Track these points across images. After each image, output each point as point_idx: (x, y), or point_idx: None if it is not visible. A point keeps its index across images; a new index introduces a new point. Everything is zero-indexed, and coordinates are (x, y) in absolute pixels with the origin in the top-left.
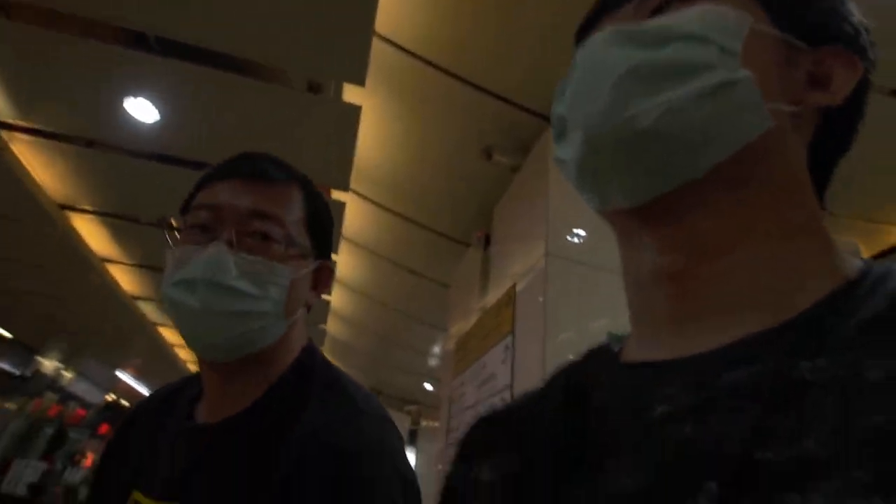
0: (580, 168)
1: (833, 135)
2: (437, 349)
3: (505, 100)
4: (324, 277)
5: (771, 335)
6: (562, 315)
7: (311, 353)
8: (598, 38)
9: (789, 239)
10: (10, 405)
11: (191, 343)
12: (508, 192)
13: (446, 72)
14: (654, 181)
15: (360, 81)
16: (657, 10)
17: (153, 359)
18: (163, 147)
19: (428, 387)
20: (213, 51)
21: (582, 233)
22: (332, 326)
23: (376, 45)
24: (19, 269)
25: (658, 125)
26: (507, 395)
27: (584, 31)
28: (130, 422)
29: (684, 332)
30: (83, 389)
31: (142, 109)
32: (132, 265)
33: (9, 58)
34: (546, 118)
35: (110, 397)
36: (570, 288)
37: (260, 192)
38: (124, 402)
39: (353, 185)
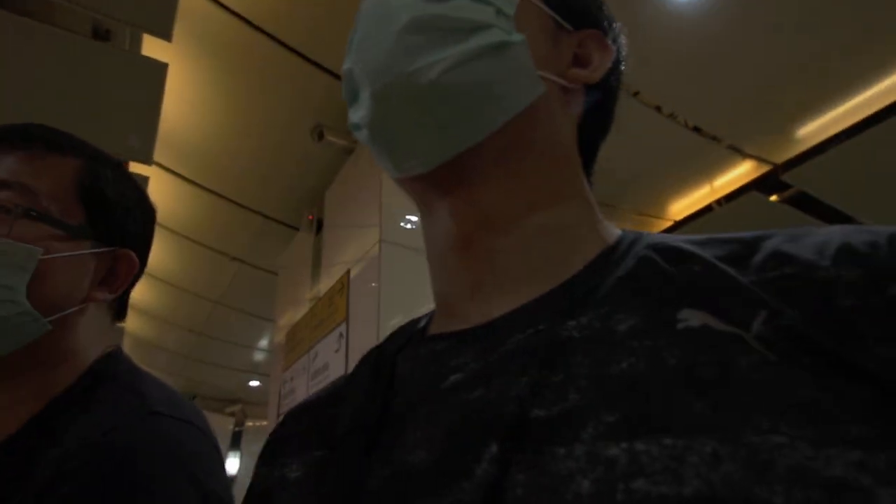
0: (372, 129)
1: (595, 114)
2: (263, 342)
3: (336, 76)
4: (120, 270)
5: (546, 299)
6: (395, 301)
7: (113, 359)
8: None
9: (562, 208)
10: None
11: None
12: (341, 174)
13: (275, 39)
14: (445, 141)
15: (164, 35)
16: None
17: None
18: None
19: (254, 383)
20: None
21: (415, 219)
22: (131, 323)
23: None
24: None
25: (442, 79)
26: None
27: None
28: None
29: (478, 302)
30: None
31: None
32: None
33: None
34: None
35: None
36: (403, 274)
37: (10, 162)
38: None
39: (157, 157)
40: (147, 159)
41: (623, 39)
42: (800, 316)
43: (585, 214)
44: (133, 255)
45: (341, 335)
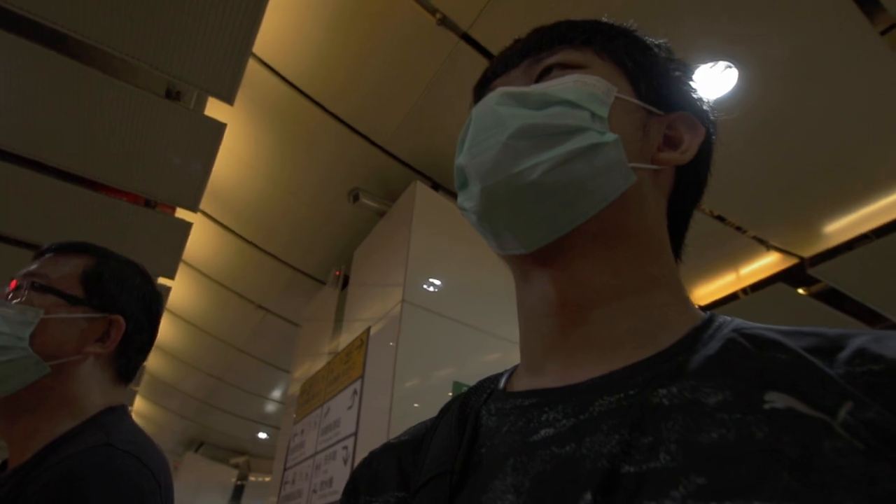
0: (480, 217)
1: (686, 188)
2: (276, 393)
3: (377, 146)
4: (112, 332)
5: (636, 368)
6: (411, 362)
7: (112, 412)
8: (491, 97)
9: (652, 287)
10: None
11: None
12: (371, 235)
13: (322, 107)
14: (543, 230)
15: (228, 99)
16: (541, 76)
17: None
18: None
19: (262, 435)
20: (60, 32)
21: (440, 283)
22: (153, 362)
23: (252, 66)
24: None
25: (543, 179)
26: (350, 444)
27: (479, 90)
28: None
29: (566, 365)
30: None
31: None
32: None
33: None
34: (414, 169)
35: None
36: (421, 335)
37: (42, 261)
38: None
39: (203, 206)
40: (194, 206)
41: (715, 115)
42: (886, 412)
43: (674, 294)
44: (121, 319)
45: (355, 392)
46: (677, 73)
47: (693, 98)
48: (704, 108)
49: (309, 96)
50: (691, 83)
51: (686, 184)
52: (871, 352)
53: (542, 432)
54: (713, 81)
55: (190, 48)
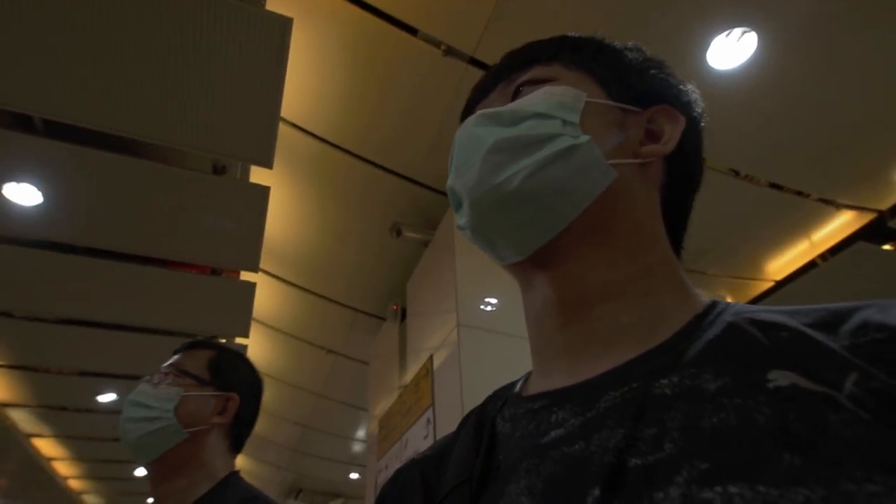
0: (473, 231)
1: (678, 178)
2: (361, 433)
3: (409, 179)
4: (229, 406)
5: (639, 361)
6: (477, 383)
7: (236, 477)
8: (469, 121)
9: (649, 279)
10: None
11: (127, 447)
12: (419, 266)
13: (352, 154)
14: (532, 234)
15: (267, 164)
16: (514, 95)
17: (24, 476)
18: (46, 233)
19: (354, 476)
20: (115, 135)
21: (493, 301)
22: None
23: (284, 129)
24: None
25: (522, 186)
26: None
27: (464, 115)
28: None
29: (572, 364)
30: None
31: (23, 193)
32: (1, 366)
33: None
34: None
35: None
36: (483, 356)
37: (180, 355)
38: None
39: (263, 265)
40: (254, 267)
41: (698, 100)
42: (891, 379)
43: (672, 284)
44: (236, 396)
45: (429, 420)
46: (652, 71)
47: (673, 90)
48: (686, 99)
49: (338, 146)
50: (668, 77)
51: (677, 173)
52: (874, 321)
53: (553, 433)
54: (733, 49)
55: (225, 126)
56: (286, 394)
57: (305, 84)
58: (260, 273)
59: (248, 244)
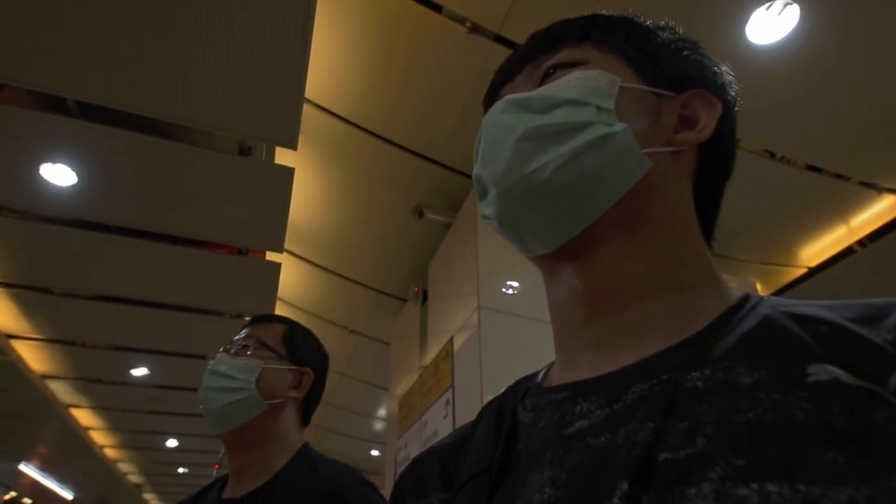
0: (500, 222)
1: (711, 165)
2: (382, 411)
3: (433, 160)
4: (303, 381)
5: (669, 353)
6: (497, 366)
7: (311, 448)
8: (497, 106)
9: (682, 269)
10: None
11: (205, 416)
12: (441, 248)
13: (375, 135)
14: (562, 226)
15: (291, 145)
16: (544, 78)
17: (64, 445)
18: (81, 212)
19: (375, 452)
20: (145, 117)
21: (514, 284)
22: None
23: (308, 111)
24: None
25: (554, 176)
26: None
27: (488, 100)
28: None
29: (599, 355)
30: None
31: (58, 173)
32: (42, 340)
33: None
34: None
35: (9, 496)
36: (504, 339)
37: (254, 327)
38: (26, 501)
39: (287, 245)
40: (279, 248)
41: (732, 82)
42: None
43: (705, 275)
44: (310, 371)
45: (448, 402)
46: (686, 52)
47: (708, 73)
48: (721, 81)
49: (361, 127)
50: (703, 59)
51: (711, 161)
52: None
53: (577, 424)
54: (773, 22)
55: (249, 106)
56: None
57: (329, 65)
58: (285, 254)
59: (273, 225)
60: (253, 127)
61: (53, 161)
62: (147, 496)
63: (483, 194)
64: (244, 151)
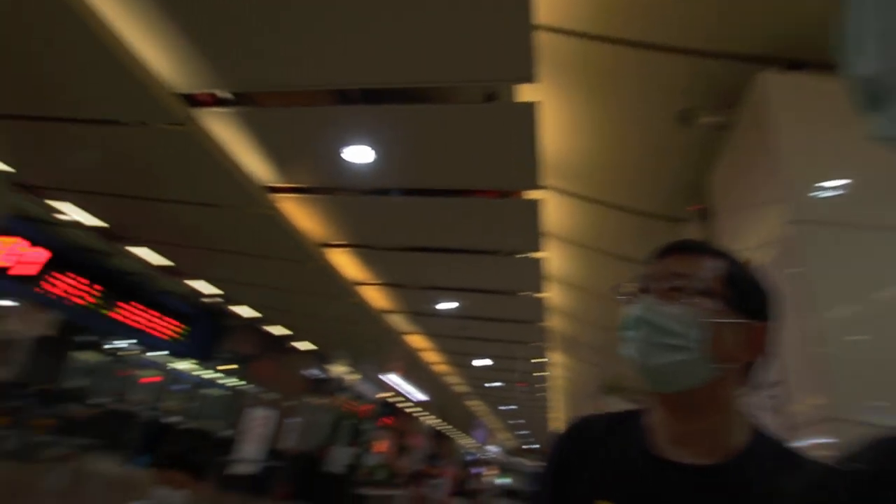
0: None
1: (760, 359)
2: None
3: (693, 52)
4: (757, 338)
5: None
6: (822, 289)
7: (767, 431)
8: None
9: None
10: (319, 401)
11: (638, 371)
12: (723, 156)
13: (618, 41)
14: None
15: (529, 79)
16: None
17: (408, 361)
18: (380, 182)
19: None
20: (400, 89)
21: (833, 185)
22: (557, 323)
23: (543, 37)
24: (303, 298)
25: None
26: (777, 393)
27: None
28: (570, 443)
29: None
30: (364, 389)
31: (359, 154)
32: (378, 284)
33: (265, 135)
34: (751, 59)
35: (382, 395)
36: (829, 256)
37: (677, 261)
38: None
39: (547, 180)
40: (533, 185)
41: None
42: None
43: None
44: (767, 326)
45: None
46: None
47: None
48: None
49: (601, 36)
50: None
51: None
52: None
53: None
54: None
55: (480, 51)
56: (589, 301)
57: None
58: (544, 190)
59: (527, 163)
60: (489, 70)
61: (354, 144)
62: (468, 403)
63: (878, 104)
64: (490, 98)
